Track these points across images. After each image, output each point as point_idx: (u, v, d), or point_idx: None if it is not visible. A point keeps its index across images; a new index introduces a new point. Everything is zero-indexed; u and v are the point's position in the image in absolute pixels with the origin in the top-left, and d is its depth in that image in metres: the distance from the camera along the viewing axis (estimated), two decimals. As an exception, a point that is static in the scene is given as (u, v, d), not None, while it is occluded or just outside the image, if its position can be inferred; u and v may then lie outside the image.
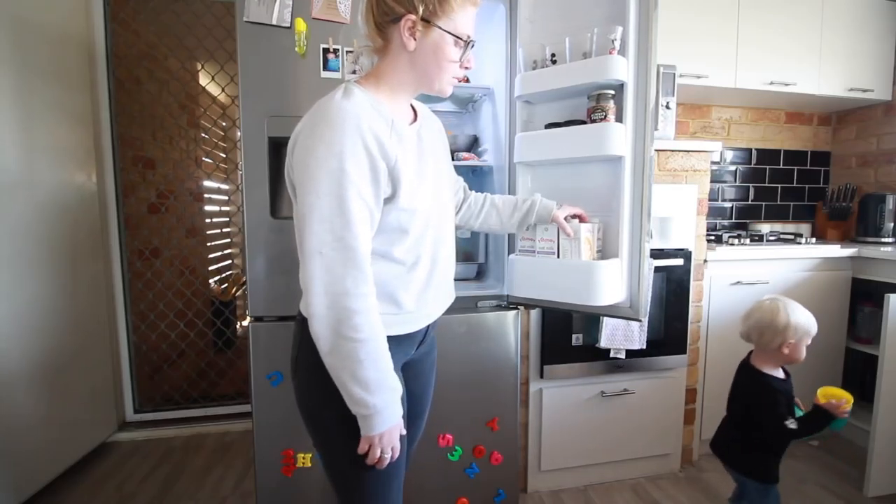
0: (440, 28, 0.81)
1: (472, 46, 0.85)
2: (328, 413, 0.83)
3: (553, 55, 1.31)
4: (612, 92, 1.21)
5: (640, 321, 1.25)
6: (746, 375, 1.35)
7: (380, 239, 0.81)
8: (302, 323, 0.83)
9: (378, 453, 0.79)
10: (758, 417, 1.28)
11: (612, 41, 1.18)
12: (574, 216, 1.20)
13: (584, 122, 1.26)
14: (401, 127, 0.83)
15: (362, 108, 0.77)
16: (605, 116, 1.21)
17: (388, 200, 0.80)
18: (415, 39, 0.81)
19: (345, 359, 0.74)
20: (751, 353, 1.41)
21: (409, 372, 0.96)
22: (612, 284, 1.20)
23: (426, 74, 0.84)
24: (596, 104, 1.22)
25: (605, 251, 1.27)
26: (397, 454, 0.82)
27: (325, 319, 0.74)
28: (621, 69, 1.17)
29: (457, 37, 0.82)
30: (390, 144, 0.78)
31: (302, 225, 0.75)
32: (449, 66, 0.84)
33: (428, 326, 0.94)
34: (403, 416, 0.84)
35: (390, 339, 0.83)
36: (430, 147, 0.91)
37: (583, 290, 1.19)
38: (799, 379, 2.01)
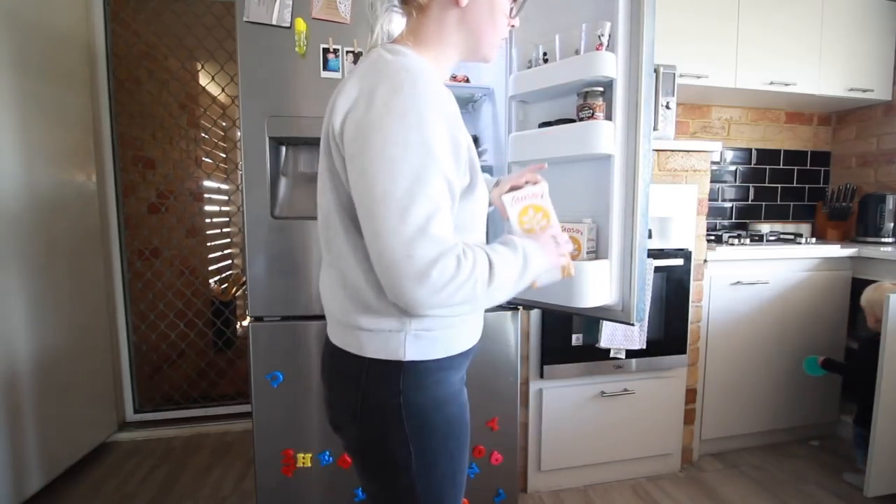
0: None
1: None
2: (416, 457, 0.71)
3: (545, 53, 1.30)
4: (601, 89, 1.19)
5: (631, 325, 1.22)
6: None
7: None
8: (359, 361, 0.70)
9: (566, 264, 0.79)
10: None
11: (600, 37, 1.16)
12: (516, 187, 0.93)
13: (573, 121, 1.25)
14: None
15: (426, 66, 0.65)
16: (593, 114, 1.18)
17: (467, 187, 0.67)
18: None
19: (490, 300, 0.65)
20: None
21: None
22: (597, 286, 1.17)
23: (478, 35, 0.72)
24: (583, 102, 1.20)
25: (599, 252, 1.25)
26: (567, 248, 0.80)
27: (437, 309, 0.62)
28: (609, 65, 1.15)
29: None
30: (460, 120, 0.65)
31: (369, 222, 0.60)
32: (502, 23, 0.73)
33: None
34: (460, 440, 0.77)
35: (459, 356, 0.75)
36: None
37: (565, 290, 1.16)
38: (799, 378, 2.02)
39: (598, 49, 1.16)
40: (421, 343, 0.70)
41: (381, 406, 0.70)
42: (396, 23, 0.73)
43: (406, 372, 0.69)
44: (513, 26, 0.77)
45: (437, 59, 0.72)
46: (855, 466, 1.84)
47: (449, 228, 0.60)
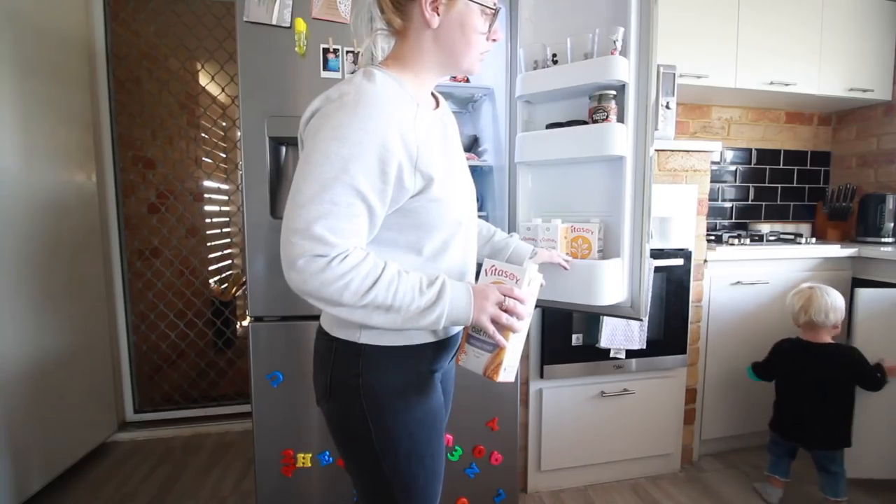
0: None
1: (496, 14, 0.79)
2: (376, 437, 0.78)
3: (554, 55, 1.31)
4: (614, 92, 1.22)
5: (641, 320, 1.25)
6: (826, 352, 1.62)
7: (410, 234, 0.76)
8: (332, 342, 0.80)
9: (504, 321, 0.75)
10: (858, 382, 1.57)
11: (614, 42, 1.18)
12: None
13: (585, 123, 1.26)
14: (425, 111, 0.76)
15: (384, 91, 0.71)
16: (607, 117, 1.21)
17: (420, 193, 0.74)
18: (438, 14, 0.74)
19: (370, 316, 0.70)
20: (796, 338, 1.69)
21: (442, 384, 0.90)
22: (613, 284, 1.20)
23: (453, 52, 0.77)
24: (598, 104, 1.22)
25: (606, 251, 1.27)
26: (517, 309, 0.76)
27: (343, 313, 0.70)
28: (623, 70, 1.18)
29: (484, 5, 0.76)
30: (412, 131, 0.71)
31: (286, 209, 0.69)
32: (478, 40, 0.77)
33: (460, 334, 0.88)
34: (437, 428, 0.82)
35: (420, 347, 0.80)
36: (453, 137, 0.86)
37: (585, 290, 1.19)
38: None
39: (612, 54, 1.18)
40: (375, 330, 0.77)
41: (344, 385, 0.78)
42: (380, 45, 0.81)
43: (364, 355, 0.77)
44: (495, 40, 0.80)
45: (417, 77, 0.79)
46: (763, 474, 1.76)
47: (337, 233, 0.67)
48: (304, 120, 0.75)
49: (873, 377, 1.56)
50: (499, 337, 0.76)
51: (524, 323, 0.79)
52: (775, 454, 1.71)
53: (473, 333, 0.82)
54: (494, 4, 0.78)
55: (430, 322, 0.72)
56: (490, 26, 0.78)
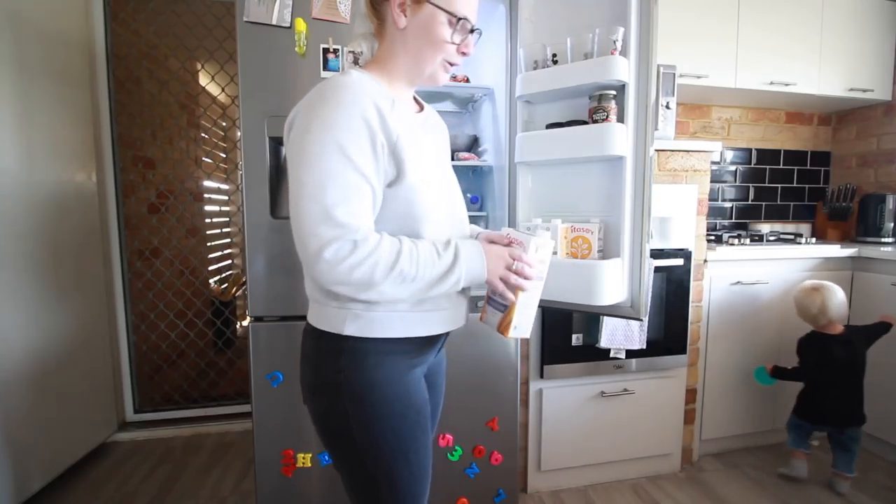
0: (431, 3, 0.76)
1: (474, 32, 0.81)
2: (359, 433, 0.78)
3: (554, 55, 1.31)
4: (614, 92, 1.22)
5: (640, 320, 1.25)
6: (848, 339, 1.75)
7: (392, 226, 0.77)
8: (317, 339, 0.80)
9: (513, 281, 0.80)
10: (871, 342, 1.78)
11: (614, 42, 1.18)
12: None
13: (585, 123, 1.26)
14: (403, 108, 0.78)
15: (361, 81, 0.74)
16: (607, 117, 1.21)
17: (395, 182, 0.75)
18: (405, 16, 0.77)
19: (398, 290, 0.72)
20: (817, 332, 1.80)
21: (426, 380, 0.90)
22: (614, 284, 1.20)
23: (417, 56, 0.79)
24: (598, 104, 1.23)
25: (606, 251, 1.27)
26: (524, 270, 0.80)
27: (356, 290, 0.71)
28: (623, 70, 1.18)
29: (449, 14, 0.77)
30: (392, 119, 0.73)
31: (292, 206, 0.70)
32: (441, 48, 0.78)
33: (447, 333, 0.88)
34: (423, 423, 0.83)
35: (411, 340, 0.80)
36: (440, 144, 0.86)
37: (585, 289, 1.19)
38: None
39: (612, 53, 1.18)
40: (360, 321, 0.77)
41: (327, 382, 0.79)
42: (366, 47, 0.84)
43: (347, 352, 0.78)
44: (464, 53, 0.82)
45: (391, 80, 0.81)
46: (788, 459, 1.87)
47: (356, 215, 0.69)
48: (288, 124, 0.77)
49: (881, 332, 1.77)
50: (508, 294, 0.81)
51: (535, 285, 0.83)
52: (797, 433, 1.82)
53: (492, 295, 0.89)
54: (462, 17, 0.78)
55: (450, 284, 0.75)
56: (462, 39, 0.80)
